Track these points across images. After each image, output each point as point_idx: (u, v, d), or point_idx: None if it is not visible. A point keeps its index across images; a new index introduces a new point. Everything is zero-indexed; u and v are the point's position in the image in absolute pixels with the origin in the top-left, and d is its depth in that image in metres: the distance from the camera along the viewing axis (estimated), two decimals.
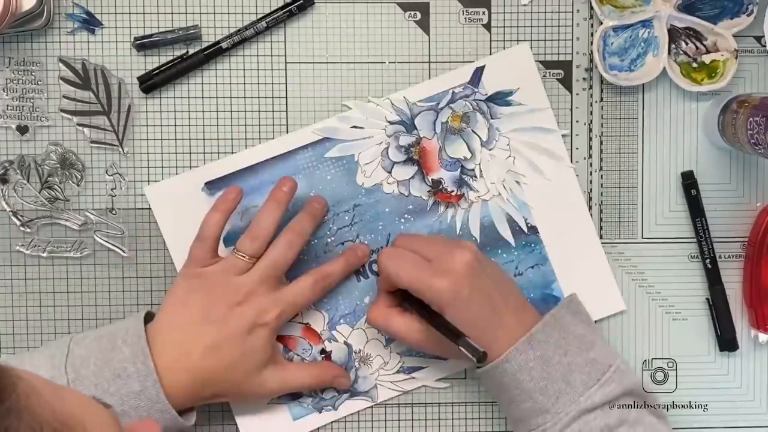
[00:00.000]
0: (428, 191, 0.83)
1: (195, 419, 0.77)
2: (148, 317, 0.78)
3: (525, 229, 0.84)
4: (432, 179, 0.83)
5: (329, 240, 0.83)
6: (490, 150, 0.83)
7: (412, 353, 0.84)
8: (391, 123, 0.83)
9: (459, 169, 0.83)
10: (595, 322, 0.83)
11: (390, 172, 0.83)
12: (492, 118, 0.83)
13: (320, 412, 0.84)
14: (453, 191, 0.83)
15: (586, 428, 0.74)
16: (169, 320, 0.77)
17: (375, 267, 0.83)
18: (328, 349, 0.84)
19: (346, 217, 0.83)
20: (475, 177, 0.83)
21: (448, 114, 0.83)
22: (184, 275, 0.79)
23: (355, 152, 0.83)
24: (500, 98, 0.83)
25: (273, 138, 0.83)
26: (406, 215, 0.84)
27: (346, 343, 0.84)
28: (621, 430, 0.75)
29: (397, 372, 0.84)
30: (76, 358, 0.74)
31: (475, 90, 0.83)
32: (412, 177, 0.83)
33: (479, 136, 0.83)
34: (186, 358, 0.75)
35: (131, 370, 0.73)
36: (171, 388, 0.74)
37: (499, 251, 0.84)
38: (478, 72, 0.83)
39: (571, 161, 0.84)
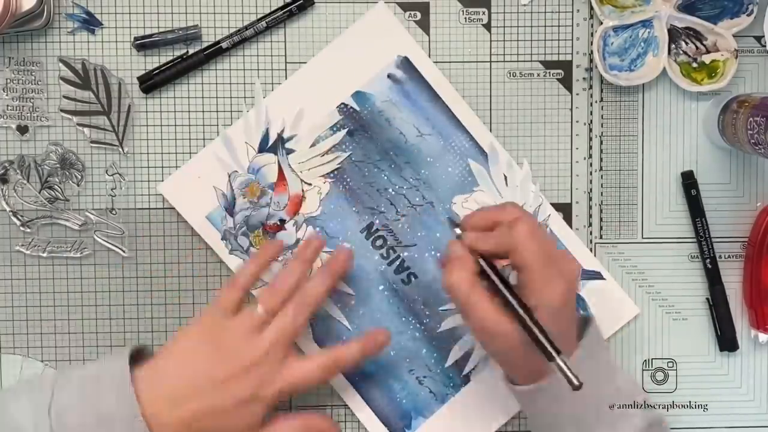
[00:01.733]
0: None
1: None
2: (135, 352, 0.76)
3: None
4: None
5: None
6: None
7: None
8: None
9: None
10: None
11: None
12: None
13: None
14: None
15: None
16: (172, 366, 0.74)
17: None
18: None
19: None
20: None
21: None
22: (203, 322, 0.76)
23: None
24: None
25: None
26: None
27: None
28: None
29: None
30: (60, 406, 0.72)
31: None
32: None
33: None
34: (178, 409, 0.73)
35: (116, 416, 0.71)
36: None
37: None
38: None
39: (571, 162, 0.85)
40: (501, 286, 0.69)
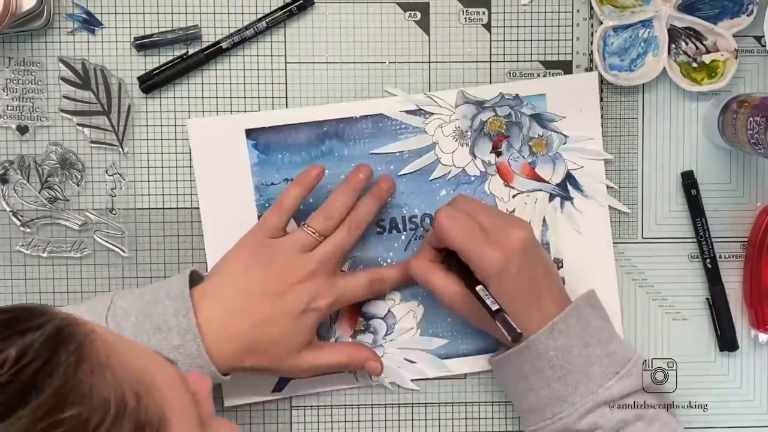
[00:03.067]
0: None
1: (230, 375, 0.77)
2: (193, 275, 0.78)
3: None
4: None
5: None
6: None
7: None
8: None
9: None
10: None
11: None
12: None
13: None
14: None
15: (602, 420, 0.75)
16: (224, 284, 0.77)
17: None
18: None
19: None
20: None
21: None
22: (250, 243, 0.79)
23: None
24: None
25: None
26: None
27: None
28: (638, 425, 0.75)
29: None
30: (118, 309, 0.75)
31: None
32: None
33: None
34: (237, 324, 0.76)
35: (172, 323, 0.74)
36: (216, 351, 0.74)
37: None
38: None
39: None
40: (452, 266, 0.78)
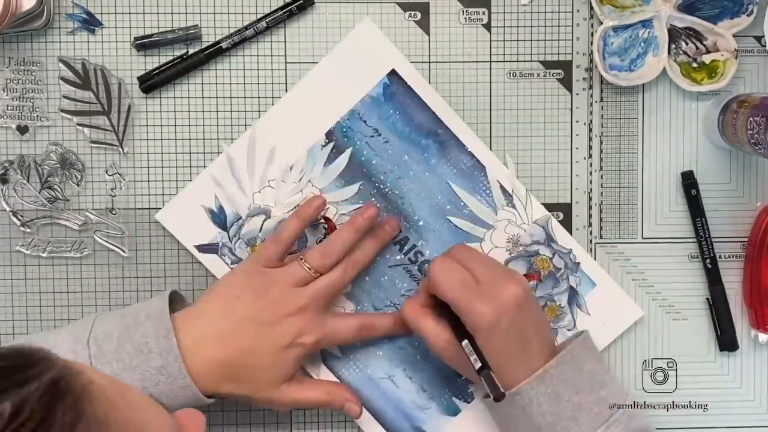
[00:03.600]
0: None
1: (213, 399, 0.77)
2: (174, 295, 0.78)
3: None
4: None
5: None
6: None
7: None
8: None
9: None
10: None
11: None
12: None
13: None
14: None
15: None
16: (215, 308, 0.77)
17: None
18: None
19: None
20: None
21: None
22: (247, 270, 0.78)
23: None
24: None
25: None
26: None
27: None
28: None
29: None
30: (99, 333, 0.74)
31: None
32: None
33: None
34: (221, 349, 0.75)
35: (153, 345, 0.73)
36: (198, 373, 0.74)
37: None
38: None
39: (571, 162, 0.85)
40: (443, 314, 0.77)
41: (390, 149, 0.83)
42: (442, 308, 0.78)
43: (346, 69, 0.83)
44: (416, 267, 0.84)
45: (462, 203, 0.84)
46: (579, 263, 0.84)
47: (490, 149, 0.84)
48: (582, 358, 0.77)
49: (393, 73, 0.83)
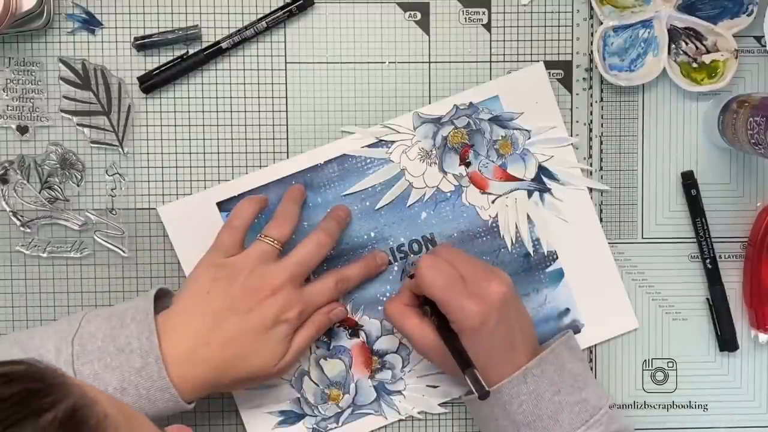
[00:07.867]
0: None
1: (194, 404, 0.76)
2: (161, 292, 0.78)
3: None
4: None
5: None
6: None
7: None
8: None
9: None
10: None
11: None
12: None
13: None
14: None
15: None
16: (187, 308, 0.76)
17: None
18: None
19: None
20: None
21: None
22: (208, 263, 0.78)
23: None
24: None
25: (273, 138, 0.83)
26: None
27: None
28: None
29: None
30: (85, 333, 0.74)
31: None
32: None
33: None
34: (205, 347, 0.75)
35: (135, 345, 0.73)
36: (181, 375, 0.73)
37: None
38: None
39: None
40: (428, 313, 0.78)
41: None
42: (425, 307, 0.78)
43: None
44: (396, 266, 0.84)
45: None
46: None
47: None
48: (564, 358, 0.77)
49: None
